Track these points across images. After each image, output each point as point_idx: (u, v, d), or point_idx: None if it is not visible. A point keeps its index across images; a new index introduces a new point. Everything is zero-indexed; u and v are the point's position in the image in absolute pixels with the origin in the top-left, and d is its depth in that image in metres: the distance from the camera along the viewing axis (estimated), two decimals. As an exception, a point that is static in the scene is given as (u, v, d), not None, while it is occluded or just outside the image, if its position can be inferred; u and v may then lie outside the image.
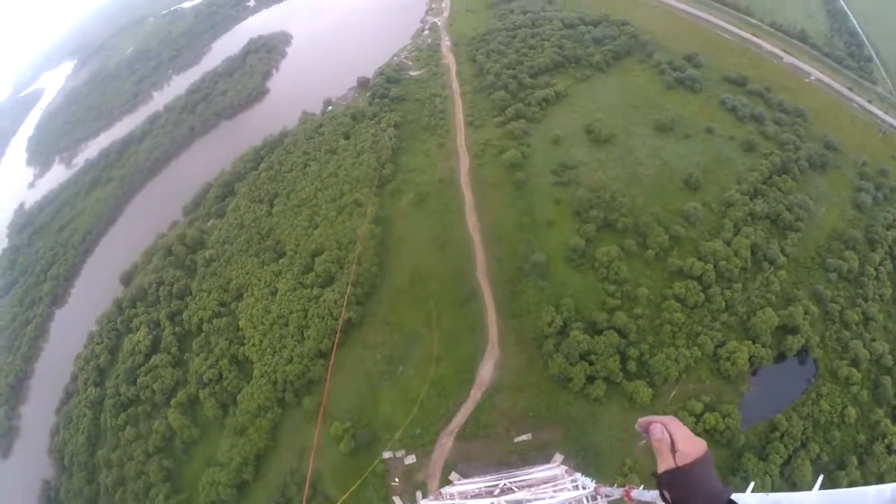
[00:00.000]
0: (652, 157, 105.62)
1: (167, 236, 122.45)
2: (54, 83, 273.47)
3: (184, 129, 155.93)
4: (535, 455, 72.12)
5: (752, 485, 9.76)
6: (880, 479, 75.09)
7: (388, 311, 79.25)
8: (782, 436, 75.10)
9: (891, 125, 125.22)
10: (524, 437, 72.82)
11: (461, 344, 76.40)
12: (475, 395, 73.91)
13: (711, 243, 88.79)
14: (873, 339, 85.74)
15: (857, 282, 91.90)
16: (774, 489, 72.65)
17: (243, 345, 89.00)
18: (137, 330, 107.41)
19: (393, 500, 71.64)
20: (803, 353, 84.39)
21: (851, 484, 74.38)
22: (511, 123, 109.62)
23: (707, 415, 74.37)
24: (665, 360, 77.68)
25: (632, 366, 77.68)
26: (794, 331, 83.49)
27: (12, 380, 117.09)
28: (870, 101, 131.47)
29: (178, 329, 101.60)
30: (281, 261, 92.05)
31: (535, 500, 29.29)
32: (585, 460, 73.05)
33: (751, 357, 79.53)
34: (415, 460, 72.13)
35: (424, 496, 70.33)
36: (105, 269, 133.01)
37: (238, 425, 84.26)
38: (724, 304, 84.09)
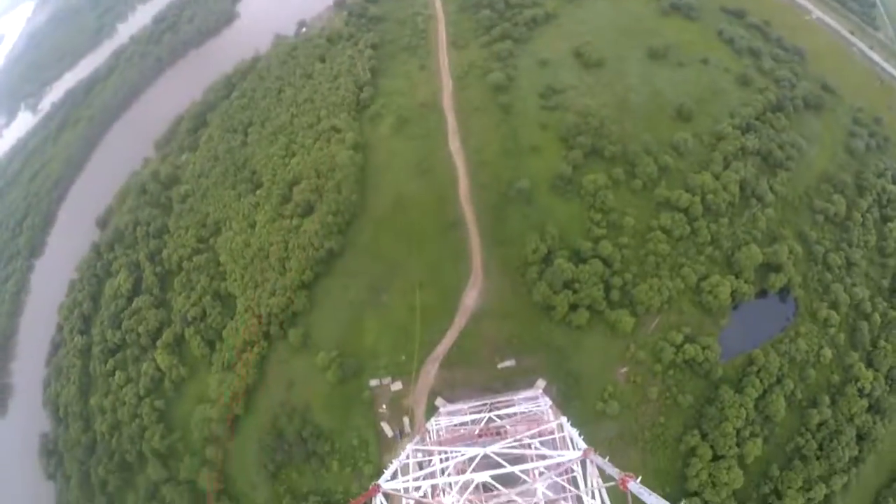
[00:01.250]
0: (644, 84, 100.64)
1: (140, 174, 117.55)
2: (14, 28, 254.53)
3: (151, 61, 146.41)
4: (518, 381, 72.69)
5: None
6: (850, 421, 77.06)
7: (369, 239, 77.07)
8: (759, 371, 76.30)
9: (890, 74, 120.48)
10: (508, 364, 73.09)
11: (445, 272, 74.91)
12: (459, 322, 73.30)
13: (700, 176, 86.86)
14: (854, 285, 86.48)
15: (843, 226, 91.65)
16: (749, 422, 72.90)
17: (225, 280, 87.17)
18: (118, 273, 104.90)
19: (381, 426, 72.59)
20: (785, 291, 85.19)
21: (821, 423, 75.46)
22: (496, 44, 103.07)
23: (687, 346, 75.17)
24: (648, 290, 77.49)
25: (615, 295, 77.50)
26: (777, 269, 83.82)
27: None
28: (871, 48, 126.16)
29: (158, 269, 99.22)
30: (258, 192, 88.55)
31: (520, 450, 27.10)
32: (567, 385, 73.84)
33: (733, 292, 79.88)
34: (401, 387, 72.48)
35: (411, 422, 71.20)
36: (80, 214, 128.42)
37: (225, 361, 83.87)
38: (709, 237, 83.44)
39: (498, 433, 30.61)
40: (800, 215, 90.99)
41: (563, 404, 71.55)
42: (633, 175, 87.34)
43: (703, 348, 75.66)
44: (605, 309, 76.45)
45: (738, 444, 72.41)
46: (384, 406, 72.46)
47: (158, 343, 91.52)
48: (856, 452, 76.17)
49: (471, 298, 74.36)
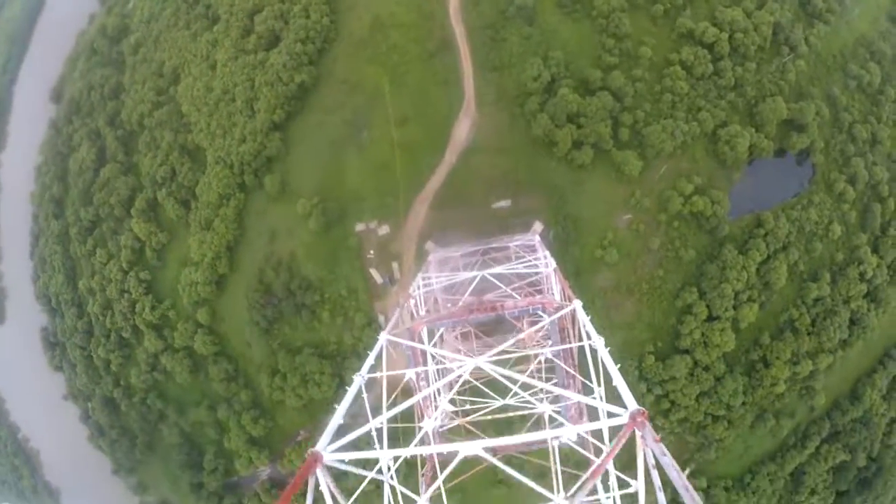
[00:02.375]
0: None
1: (88, 33, 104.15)
2: None
3: None
4: (514, 223, 67.20)
5: None
6: (846, 303, 74.27)
7: (345, 69, 67.24)
8: (766, 234, 71.48)
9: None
10: (503, 204, 66.96)
11: (432, 102, 66.07)
12: (449, 158, 65.96)
13: (731, 10, 74.88)
14: (875, 163, 78.39)
15: (875, 99, 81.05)
16: (748, 286, 69.85)
17: (190, 132, 78.81)
18: (79, 146, 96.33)
19: (370, 273, 68.24)
20: (804, 155, 77.50)
21: (818, 299, 73.06)
22: None
23: (696, 197, 68.92)
24: (661, 131, 68.96)
25: (624, 133, 69.22)
26: (800, 129, 75.12)
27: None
28: None
29: (119, 132, 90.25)
30: (215, 28, 76.93)
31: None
32: (566, 230, 68.60)
33: (751, 146, 72.04)
34: (388, 231, 67.01)
35: (401, 268, 66.62)
36: (35, 92, 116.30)
37: (203, 220, 78.11)
38: (733, 81, 73.49)
39: (493, 308, 25.03)
40: (831, 76, 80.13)
41: (561, 250, 67.06)
42: (654, -1, 74.87)
43: (713, 202, 69.73)
44: (611, 149, 68.78)
45: (734, 307, 69.98)
46: (372, 252, 67.59)
47: (132, 211, 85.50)
48: (846, 336, 74.54)
49: (462, 132, 66.33)
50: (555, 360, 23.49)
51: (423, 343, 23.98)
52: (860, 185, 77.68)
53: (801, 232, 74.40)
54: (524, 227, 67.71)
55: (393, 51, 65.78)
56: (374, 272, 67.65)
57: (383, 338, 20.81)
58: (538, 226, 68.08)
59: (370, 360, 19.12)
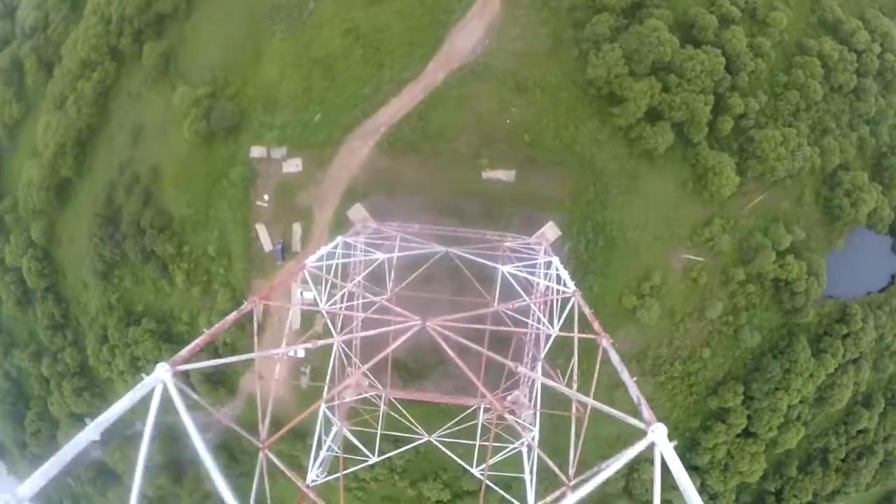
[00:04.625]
0: None
1: None
2: None
3: None
4: (510, 212, 41.10)
5: None
6: (885, 441, 58.15)
7: None
8: (847, 335, 50.34)
9: None
10: (501, 175, 40.41)
11: (428, -26, 38.76)
12: (433, 75, 38.75)
13: (887, 21, 52.37)
14: None
15: None
16: (804, 400, 50.79)
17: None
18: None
19: (256, 230, 41.30)
20: None
21: (862, 431, 56.36)
22: None
23: (791, 259, 45.80)
24: (778, 142, 44.37)
25: (725, 125, 43.71)
26: None
27: None
28: None
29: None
30: None
31: None
32: (592, 250, 42.48)
33: (874, 209, 49.61)
34: (300, 169, 39.99)
35: (305, 235, 39.99)
36: None
37: (57, 94, 52.16)
38: (873, 111, 50.56)
39: None
40: None
41: (579, 279, 40.68)
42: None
43: (810, 273, 47.16)
44: (702, 141, 43.37)
45: (779, 427, 50.68)
46: (266, 198, 40.62)
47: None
48: (869, 479, 59.05)
49: (467, 39, 39.15)
50: None
51: None
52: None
53: (880, 341, 54.07)
54: (526, 224, 41.32)
55: None
56: (261, 230, 40.82)
57: None
58: (552, 230, 41.34)
59: None
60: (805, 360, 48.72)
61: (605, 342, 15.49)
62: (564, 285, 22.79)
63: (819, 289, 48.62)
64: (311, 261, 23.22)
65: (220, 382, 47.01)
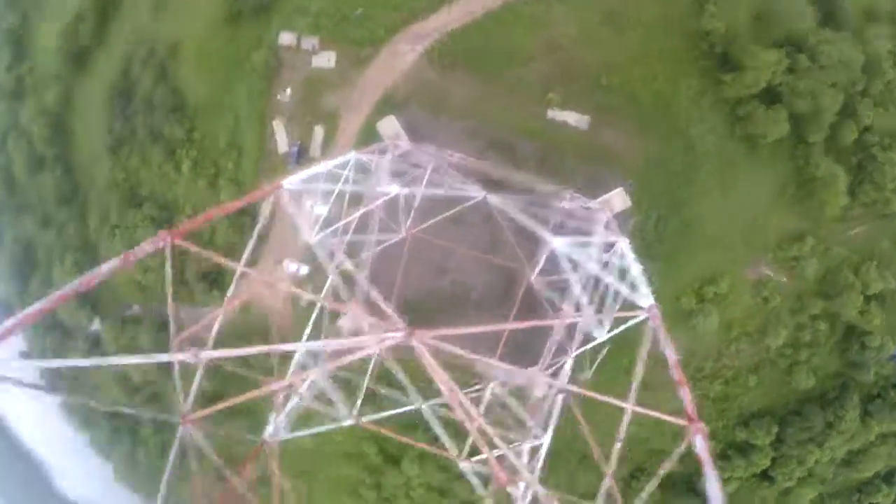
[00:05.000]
0: None
1: None
2: None
3: None
4: (573, 166, 35.38)
5: None
6: None
7: None
8: None
9: None
10: (570, 118, 34.65)
11: None
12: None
13: None
14: None
15: None
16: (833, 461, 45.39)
17: None
18: None
19: (273, 126, 37.02)
20: None
21: None
22: None
23: (875, 307, 39.01)
24: None
25: (848, 132, 36.10)
26: None
27: None
28: None
29: None
30: None
31: None
32: (659, 230, 36.72)
33: None
34: (332, 65, 34.89)
35: (326, 141, 35.63)
36: None
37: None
38: None
39: None
40: None
41: (641, 256, 35.11)
42: None
43: (888, 331, 40.73)
44: (819, 142, 36.08)
45: (799, 479, 45.48)
46: (289, 91, 35.90)
47: None
48: None
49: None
50: None
51: None
52: None
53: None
54: (590, 185, 35.23)
55: None
56: (278, 128, 36.50)
57: None
58: (621, 198, 35.48)
59: None
60: (852, 419, 43.23)
61: (698, 437, 9.96)
62: (632, 287, 16.50)
63: (892, 348, 42.23)
64: (293, 180, 16.66)
65: (215, 282, 44.77)
